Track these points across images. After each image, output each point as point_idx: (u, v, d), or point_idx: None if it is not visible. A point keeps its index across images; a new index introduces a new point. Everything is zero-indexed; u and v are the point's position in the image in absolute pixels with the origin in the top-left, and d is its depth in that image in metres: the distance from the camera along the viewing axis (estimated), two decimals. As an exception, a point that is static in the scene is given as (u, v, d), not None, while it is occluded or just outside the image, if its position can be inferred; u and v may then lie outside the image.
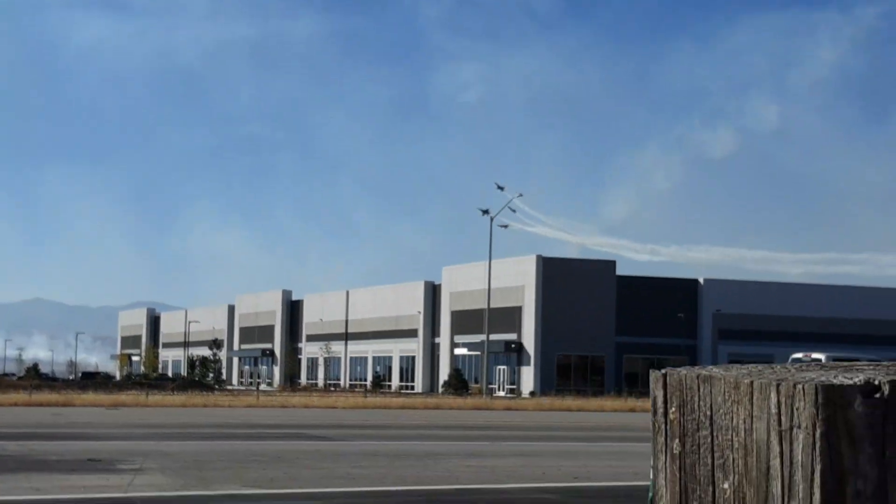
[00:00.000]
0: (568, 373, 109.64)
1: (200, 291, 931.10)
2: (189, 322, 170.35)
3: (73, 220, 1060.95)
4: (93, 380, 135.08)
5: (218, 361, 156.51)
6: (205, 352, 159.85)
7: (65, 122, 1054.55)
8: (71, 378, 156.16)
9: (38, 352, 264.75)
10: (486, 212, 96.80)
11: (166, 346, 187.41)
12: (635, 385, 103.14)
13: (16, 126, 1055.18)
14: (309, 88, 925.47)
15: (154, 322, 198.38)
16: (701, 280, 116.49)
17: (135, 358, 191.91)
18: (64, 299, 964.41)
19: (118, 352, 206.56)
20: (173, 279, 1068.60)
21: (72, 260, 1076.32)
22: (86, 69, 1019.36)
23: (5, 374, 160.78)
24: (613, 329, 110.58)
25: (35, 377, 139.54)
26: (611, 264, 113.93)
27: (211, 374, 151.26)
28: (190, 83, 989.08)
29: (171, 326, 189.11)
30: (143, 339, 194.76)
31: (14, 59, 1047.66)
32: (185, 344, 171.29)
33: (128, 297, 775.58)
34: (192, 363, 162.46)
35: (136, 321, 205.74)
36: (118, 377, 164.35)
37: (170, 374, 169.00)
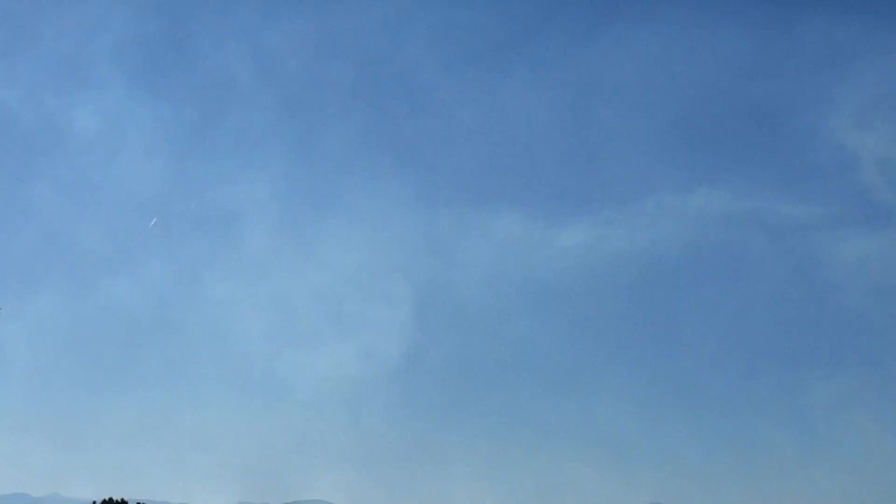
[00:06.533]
0: None
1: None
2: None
3: (842, 437, 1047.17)
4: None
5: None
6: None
7: (831, 332, 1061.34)
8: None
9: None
10: None
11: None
12: None
13: (782, 338, 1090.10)
14: None
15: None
16: None
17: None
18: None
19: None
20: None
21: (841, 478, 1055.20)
22: (851, 282, 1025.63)
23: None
24: None
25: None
26: None
27: None
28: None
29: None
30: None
31: (783, 276, 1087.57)
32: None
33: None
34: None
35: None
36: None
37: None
